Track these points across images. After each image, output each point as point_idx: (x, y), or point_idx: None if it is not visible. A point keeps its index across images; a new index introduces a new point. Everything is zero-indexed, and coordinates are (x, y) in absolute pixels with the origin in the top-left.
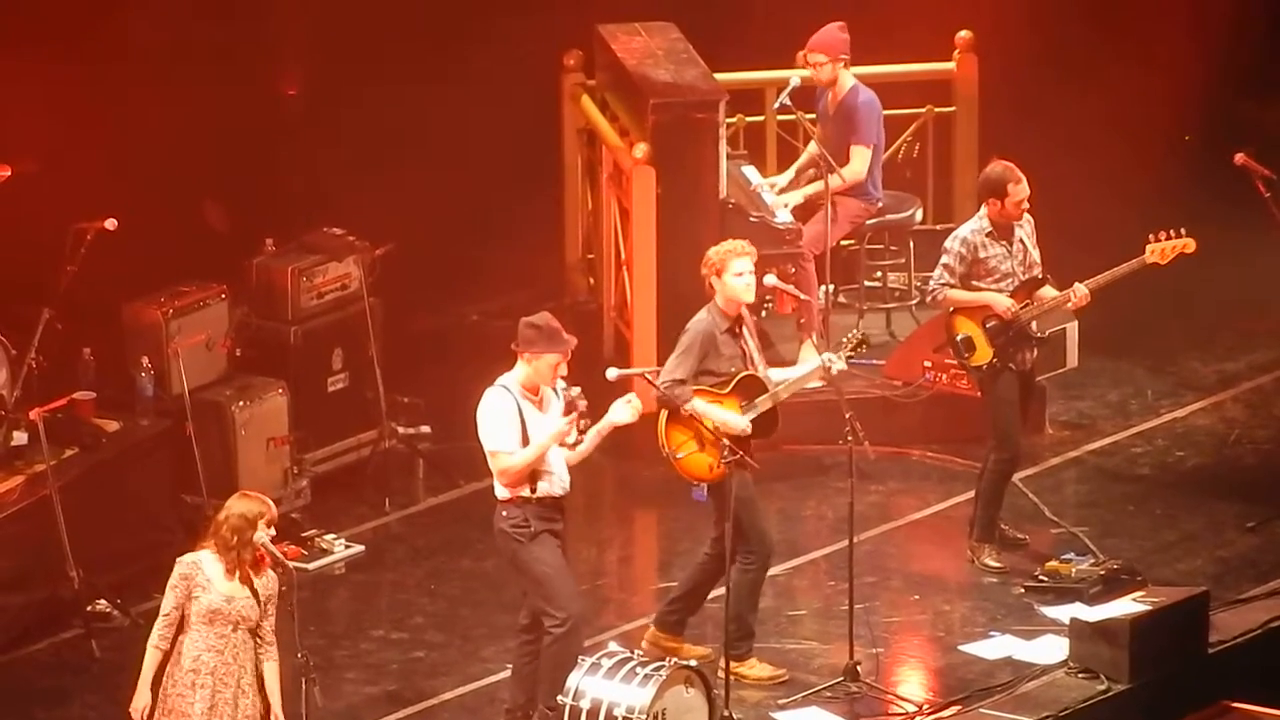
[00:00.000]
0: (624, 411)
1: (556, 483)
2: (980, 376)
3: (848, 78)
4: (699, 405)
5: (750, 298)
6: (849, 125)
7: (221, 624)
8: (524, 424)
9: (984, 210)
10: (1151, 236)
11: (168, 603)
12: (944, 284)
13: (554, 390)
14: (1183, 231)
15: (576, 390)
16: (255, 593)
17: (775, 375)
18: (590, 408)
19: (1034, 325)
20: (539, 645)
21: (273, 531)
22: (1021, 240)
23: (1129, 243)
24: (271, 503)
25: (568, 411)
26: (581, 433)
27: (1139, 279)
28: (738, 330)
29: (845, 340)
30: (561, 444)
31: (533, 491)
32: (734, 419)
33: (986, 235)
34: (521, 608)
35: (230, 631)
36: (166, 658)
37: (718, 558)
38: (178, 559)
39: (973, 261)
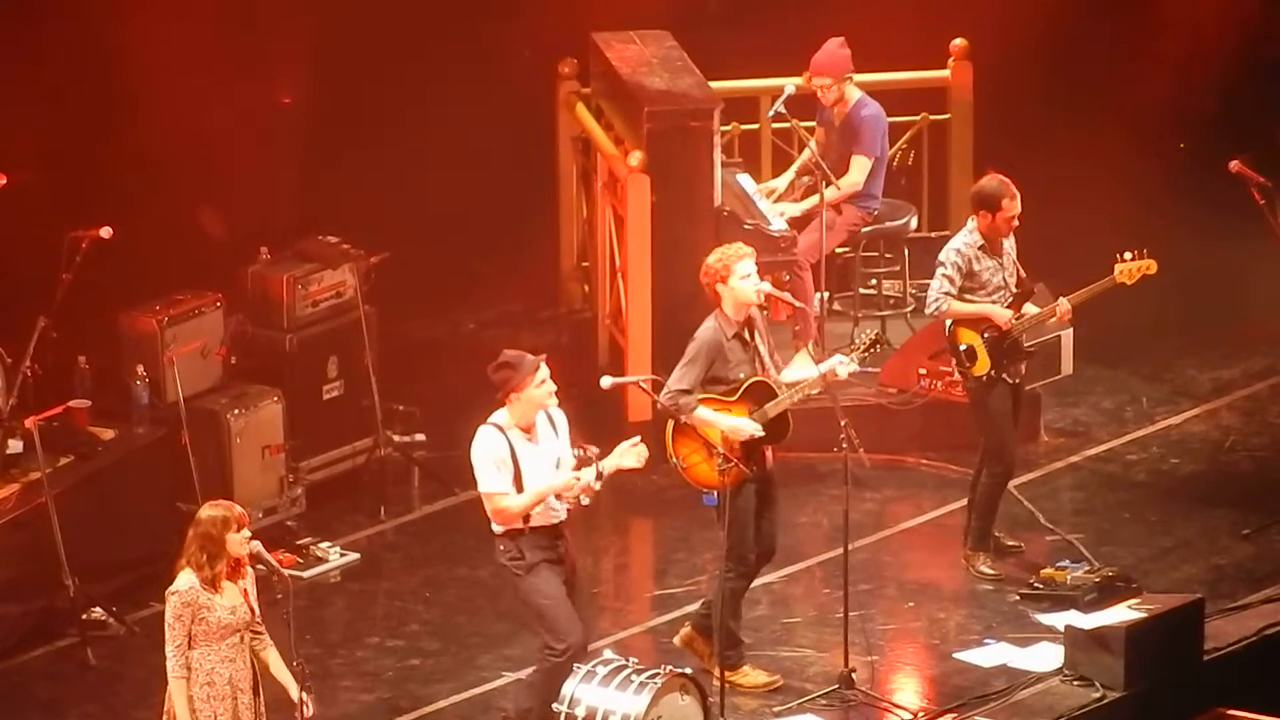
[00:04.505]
0: (630, 457)
1: (550, 513)
2: (976, 387)
3: (854, 91)
4: (705, 413)
5: (755, 298)
6: (853, 137)
7: (230, 634)
8: (517, 463)
9: (973, 224)
10: (1118, 256)
11: (178, 635)
12: (946, 294)
13: (549, 415)
14: (1145, 252)
15: (595, 450)
16: (245, 594)
17: (788, 376)
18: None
19: (1023, 339)
20: None
21: (247, 532)
22: (1008, 253)
23: (1122, 250)
24: (233, 504)
25: (580, 465)
26: (581, 496)
27: (1132, 285)
28: (747, 335)
29: (859, 341)
30: (560, 497)
31: (525, 524)
32: (743, 424)
33: (979, 248)
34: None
35: (238, 641)
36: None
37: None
38: (169, 591)
39: (968, 274)
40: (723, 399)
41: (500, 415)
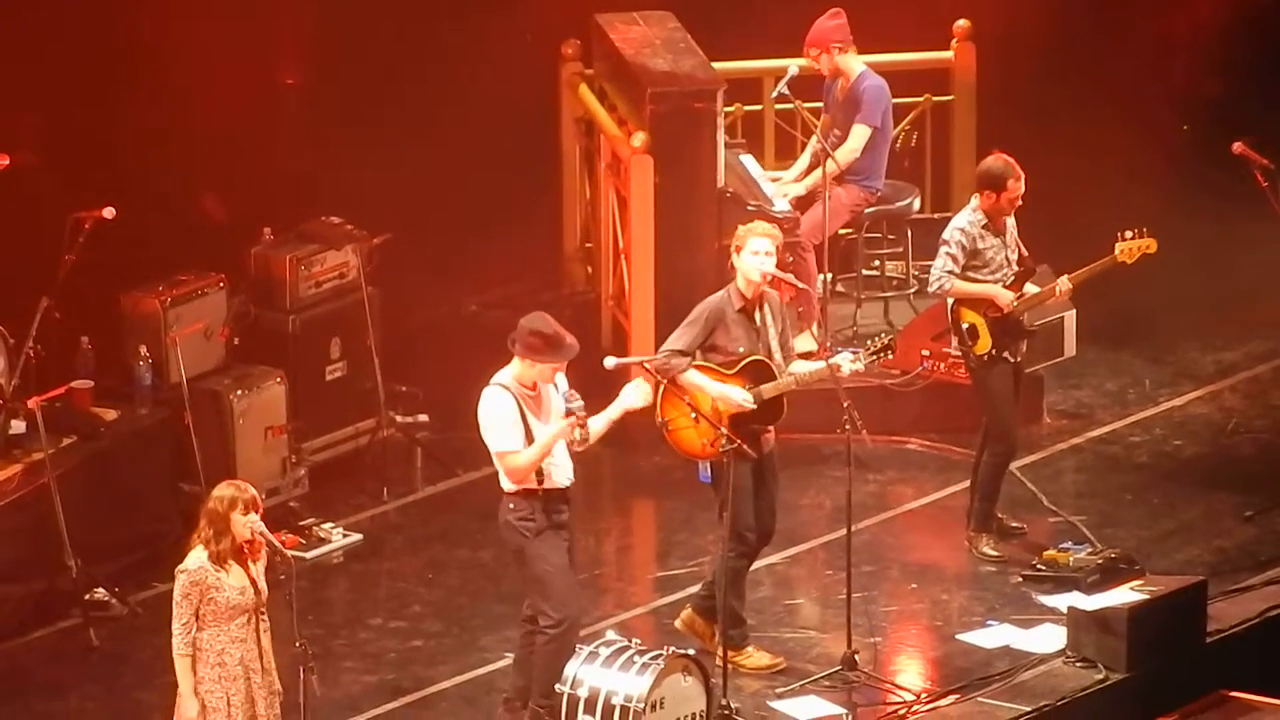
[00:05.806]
0: (635, 396)
1: (561, 474)
2: (978, 366)
3: (855, 63)
4: (695, 377)
5: (756, 276)
6: (855, 106)
7: (239, 615)
8: (526, 420)
9: (976, 202)
10: (1119, 235)
11: (184, 612)
12: (949, 272)
13: (554, 385)
14: (1145, 231)
15: (579, 404)
16: (254, 579)
17: (796, 367)
18: (593, 396)
19: (1024, 318)
20: None
21: (254, 516)
22: (1010, 231)
23: (1124, 229)
24: (248, 486)
25: (568, 416)
26: (583, 440)
27: (1135, 267)
28: (754, 312)
29: (870, 343)
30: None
31: (539, 484)
32: (733, 391)
33: (982, 227)
34: (525, 598)
35: (247, 621)
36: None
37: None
38: (179, 569)
39: (971, 252)
40: (719, 369)
41: (506, 373)
